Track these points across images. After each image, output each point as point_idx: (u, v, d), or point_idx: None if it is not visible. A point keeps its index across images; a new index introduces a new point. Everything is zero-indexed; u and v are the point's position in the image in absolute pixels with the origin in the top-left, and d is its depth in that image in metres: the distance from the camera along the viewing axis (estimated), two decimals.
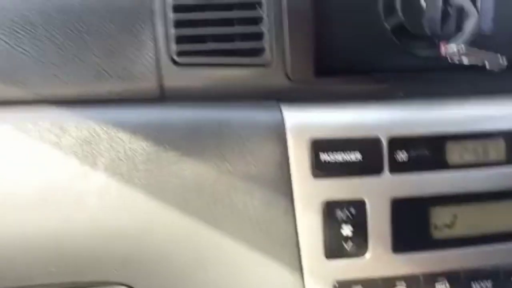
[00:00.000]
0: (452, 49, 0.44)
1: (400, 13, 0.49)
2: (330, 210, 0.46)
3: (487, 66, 0.44)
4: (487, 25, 0.47)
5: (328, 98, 0.48)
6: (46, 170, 0.44)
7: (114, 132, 0.44)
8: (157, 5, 0.45)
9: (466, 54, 0.44)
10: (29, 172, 0.44)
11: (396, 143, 0.47)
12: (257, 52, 0.46)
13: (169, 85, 0.46)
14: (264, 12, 0.46)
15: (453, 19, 0.47)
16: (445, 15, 0.47)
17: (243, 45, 0.46)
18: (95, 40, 0.44)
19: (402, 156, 0.47)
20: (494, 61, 0.44)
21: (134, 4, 0.45)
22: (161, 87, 0.46)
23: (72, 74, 0.45)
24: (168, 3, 0.45)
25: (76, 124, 0.44)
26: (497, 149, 0.49)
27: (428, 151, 0.48)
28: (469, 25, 0.46)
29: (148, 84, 0.45)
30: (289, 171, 0.46)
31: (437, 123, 0.49)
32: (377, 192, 0.47)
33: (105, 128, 0.44)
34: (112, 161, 0.44)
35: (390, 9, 0.49)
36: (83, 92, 0.45)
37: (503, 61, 0.44)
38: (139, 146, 0.44)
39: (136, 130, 0.44)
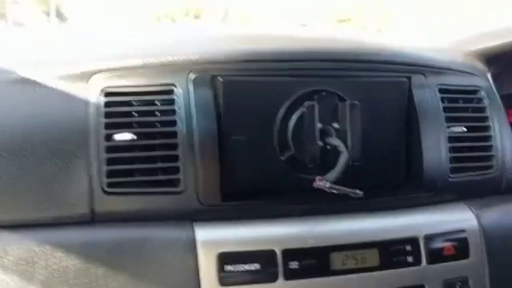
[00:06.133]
0: (320, 185, 0.57)
1: (292, 148, 0.61)
2: None
3: (350, 195, 0.57)
4: (357, 158, 0.61)
5: (234, 217, 0.59)
6: None
7: (49, 252, 0.52)
8: (92, 147, 0.55)
9: (332, 188, 0.57)
10: None
11: (289, 254, 0.58)
12: (175, 182, 0.57)
13: (99, 210, 0.55)
14: (180, 151, 0.57)
15: (330, 154, 0.60)
16: (323, 151, 0.60)
17: (163, 177, 0.57)
18: (38, 176, 0.54)
19: (294, 265, 0.58)
20: (353, 192, 0.57)
21: (72, 146, 0.55)
22: (92, 212, 0.55)
23: (16, 202, 0.54)
24: (101, 145, 0.56)
25: (17, 246, 0.52)
26: (372, 257, 0.61)
27: (315, 260, 0.59)
28: (342, 160, 0.59)
29: (81, 210, 0.55)
30: (199, 281, 0.55)
31: (323, 236, 0.60)
32: None
33: (41, 249, 0.52)
34: (46, 277, 0.52)
35: (284, 145, 0.61)
36: (25, 218, 0.54)
37: (359, 191, 0.58)
38: (70, 264, 0.52)
39: (69, 249, 0.53)
